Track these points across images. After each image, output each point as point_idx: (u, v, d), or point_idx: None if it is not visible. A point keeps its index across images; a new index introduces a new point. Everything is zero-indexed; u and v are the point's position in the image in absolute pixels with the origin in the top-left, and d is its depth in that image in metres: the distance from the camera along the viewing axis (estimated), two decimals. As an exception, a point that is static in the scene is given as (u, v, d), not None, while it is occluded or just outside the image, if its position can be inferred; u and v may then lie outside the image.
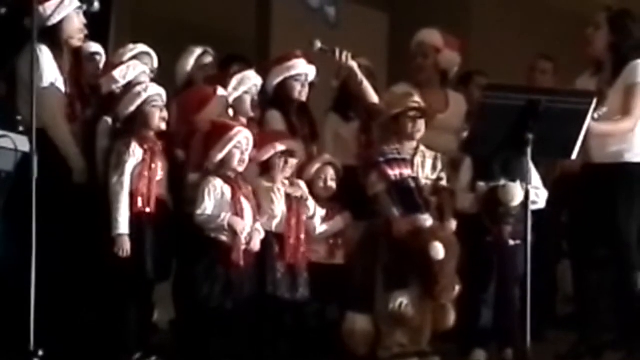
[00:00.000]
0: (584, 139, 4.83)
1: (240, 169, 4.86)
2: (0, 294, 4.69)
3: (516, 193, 4.88)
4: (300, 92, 5.28)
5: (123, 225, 4.65)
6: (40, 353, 4.03)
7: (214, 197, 4.77)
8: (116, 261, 4.64)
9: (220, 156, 4.81)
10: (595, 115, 4.95)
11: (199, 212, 4.75)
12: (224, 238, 4.76)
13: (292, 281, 4.92)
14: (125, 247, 4.65)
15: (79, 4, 4.84)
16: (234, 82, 5.12)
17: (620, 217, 5.11)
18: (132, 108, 4.76)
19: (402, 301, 4.89)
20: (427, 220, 4.98)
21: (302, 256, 4.95)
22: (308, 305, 4.95)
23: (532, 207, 4.76)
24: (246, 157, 4.87)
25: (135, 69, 4.95)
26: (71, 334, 4.69)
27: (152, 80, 5.02)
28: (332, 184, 5.15)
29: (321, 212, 5.10)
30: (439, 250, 4.78)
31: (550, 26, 7.61)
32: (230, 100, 5.09)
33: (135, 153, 4.72)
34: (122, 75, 4.90)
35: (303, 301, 4.92)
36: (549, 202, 5.17)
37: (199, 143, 4.93)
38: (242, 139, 4.84)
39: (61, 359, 4.26)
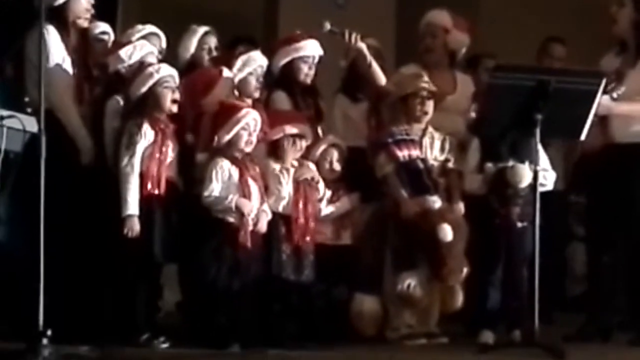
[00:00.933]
0: (607, 119, 4.80)
1: (248, 149, 4.85)
2: (9, 275, 4.71)
3: (524, 174, 4.86)
4: (307, 74, 5.26)
5: (132, 206, 4.65)
6: (49, 333, 4.03)
7: (221, 178, 4.77)
8: (125, 242, 4.64)
9: (227, 137, 4.80)
10: (614, 95, 4.91)
11: (206, 193, 4.75)
12: (231, 219, 4.76)
13: (298, 263, 4.91)
14: (134, 228, 4.65)
15: None
16: (238, 63, 5.10)
17: (637, 199, 5.05)
18: (144, 89, 4.75)
19: (410, 282, 4.89)
20: (436, 202, 4.97)
21: (309, 238, 4.94)
22: (314, 287, 4.95)
23: (540, 189, 4.75)
24: (254, 139, 4.85)
25: (142, 49, 4.94)
26: (80, 314, 4.70)
27: (161, 61, 5.01)
28: (337, 166, 5.14)
29: (327, 193, 5.09)
30: (447, 232, 4.78)
31: (561, 5, 7.54)
32: (235, 81, 5.07)
33: (147, 134, 4.72)
34: (128, 54, 4.89)
35: (308, 283, 4.92)
36: (561, 184, 5.12)
37: (207, 124, 4.91)
38: (250, 120, 4.83)
39: (70, 340, 4.26)
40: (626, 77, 4.99)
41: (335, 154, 5.14)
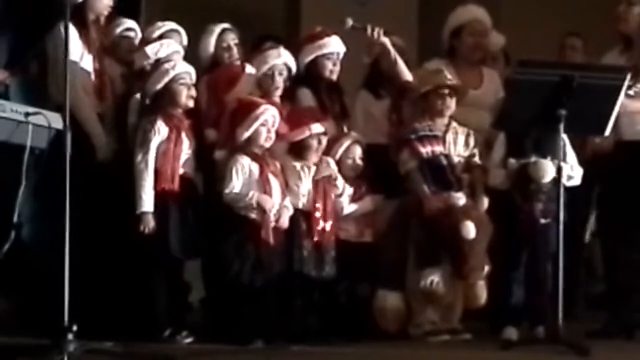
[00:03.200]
0: (616, 116, 4.79)
1: (267, 145, 4.86)
2: (34, 271, 4.73)
3: (547, 169, 4.84)
4: (332, 71, 5.26)
5: (147, 203, 4.67)
6: (74, 328, 4.05)
7: (241, 175, 4.77)
8: (141, 239, 4.66)
9: (247, 134, 4.81)
10: (631, 92, 4.90)
11: (227, 190, 4.75)
12: (253, 216, 4.77)
13: (319, 259, 4.91)
14: (150, 225, 4.67)
15: None
16: (262, 59, 5.10)
17: None
18: (160, 85, 4.77)
19: (433, 279, 4.89)
20: (460, 199, 4.96)
21: (329, 234, 4.94)
22: (336, 283, 4.95)
23: (568, 182, 4.73)
24: (272, 135, 4.86)
25: (169, 47, 4.96)
26: (104, 310, 4.71)
27: (183, 58, 5.02)
28: (360, 163, 5.14)
29: (349, 190, 5.09)
30: (470, 230, 4.77)
31: (580, 2, 7.53)
32: (259, 78, 5.07)
33: (161, 131, 4.73)
34: (154, 51, 4.91)
35: (329, 279, 4.92)
36: (582, 180, 5.12)
37: (226, 121, 4.92)
38: (268, 116, 4.83)
39: (95, 335, 4.28)
40: None
41: (358, 151, 5.13)
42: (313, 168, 4.98)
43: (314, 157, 4.99)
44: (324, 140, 5.01)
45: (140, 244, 4.67)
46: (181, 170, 4.77)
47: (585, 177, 5.12)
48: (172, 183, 4.72)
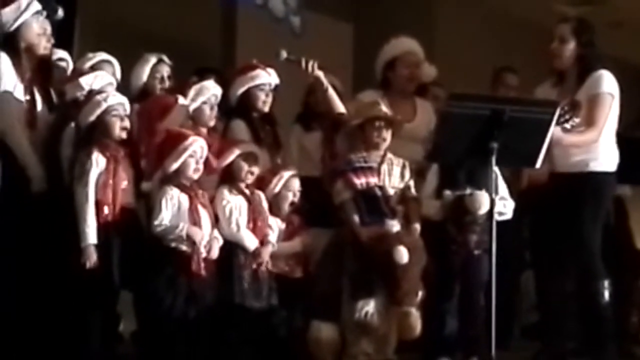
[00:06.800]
0: (548, 148, 4.87)
1: (196, 177, 4.84)
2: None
3: (483, 201, 4.90)
4: (265, 102, 5.29)
5: (91, 235, 4.62)
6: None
7: (171, 206, 4.74)
8: (82, 271, 4.59)
9: (175, 165, 4.79)
10: (568, 126, 4.99)
11: (156, 222, 4.71)
12: (184, 248, 4.73)
13: (258, 290, 4.90)
14: (92, 257, 4.61)
15: (36, 9, 4.81)
16: (192, 92, 5.10)
17: (585, 226, 5.13)
18: (93, 117, 4.73)
19: (367, 310, 4.89)
20: (394, 226, 4.98)
21: (265, 265, 4.95)
22: (274, 314, 4.94)
23: (499, 217, 4.79)
24: (201, 166, 4.85)
25: (103, 79, 4.94)
26: (35, 342, 4.63)
27: (117, 89, 5.00)
28: (298, 196, 5.15)
29: (281, 225, 5.10)
30: (402, 255, 4.78)
31: (511, 36, 7.68)
32: (190, 110, 5.07)
33: (99, 162, 4.69)
34: (88, 83, 4.88)
35: (270, 309, 4.91)
36: (514, 211, 5.18)
37: (154, 152, 4.91)
38: (197, 147, 4.82)
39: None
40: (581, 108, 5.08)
41: (297, 184, 5.15)
42: (245, 202, 4.96)
43: (247, 180, 4.98)
44: (255, 167, 5.00)
45: (80, 276, 4.60)
46: (121, 201, 4.73)
47: (518, 208, 5.19)
48: (114, 214, 4.69)
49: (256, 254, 4.94)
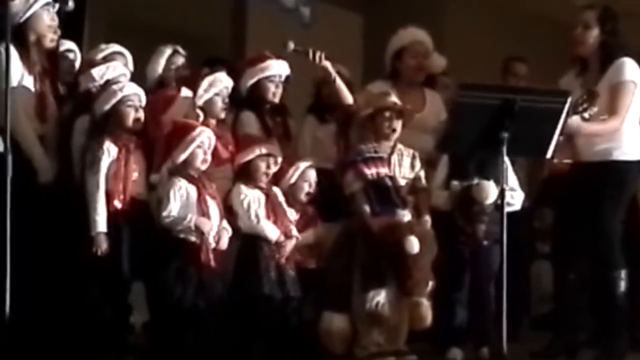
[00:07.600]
0: (570, 137, 4.86)
1: (204, 168, 4.85)
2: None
3: (490, 191, 4.89)
4: (274, 93, 5.27)
5: (101, 224, 4.64)
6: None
7: (179, 197, 4.75)
8: (93, 260, 4.61)
9: (183, 156, 4.80)
10: (586, 115, 4.97)
11: (165, 213, 4.72)
12: (192, 239, 4.74)
13: (283, 280, 4.93)
14: (103, 246, 4.63)
15: (47, 1, 4.80)
16: (204, 84, 5.09)
17: (606, 215, 5.09)
18: (107, 107, 4.75)
19: (378, 300, 4.89)
20: (405, 216, 4.98)
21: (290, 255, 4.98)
22: (289, 304, 4.95)
23: (507, 209, 4.77)
24: (209, 157, 4.85)
25: (115, 69, 4.94)
26: (46, 333, 4.64)
27: (129, 80, 5.00)
28: (314, 187, 5.16)
29: (295, 216, 5.10)
30: (413, 244, 4.78)
31: (522, 28, 7.65)
32: (201, 102, 5.06)
33: (110, 151, 4.71)
34: (100, 74, 4.88)
35: (283, 299, 4.92)
36: (529, 201, 5.16)
37: (161, 144, 4.91)
38: (204, 138, 4.83)
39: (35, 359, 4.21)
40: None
41: (313, 175, 5.16)
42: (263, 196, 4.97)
43: (263, 179, 4.98)
44: (273, 166, 5.01)
45: (91, 266, 4.62)
46: (132, 191, 4.74)
47: (539, 197, 5.15)
48: (124, 204, 4.69)
49: (280, 245, 4.94)
